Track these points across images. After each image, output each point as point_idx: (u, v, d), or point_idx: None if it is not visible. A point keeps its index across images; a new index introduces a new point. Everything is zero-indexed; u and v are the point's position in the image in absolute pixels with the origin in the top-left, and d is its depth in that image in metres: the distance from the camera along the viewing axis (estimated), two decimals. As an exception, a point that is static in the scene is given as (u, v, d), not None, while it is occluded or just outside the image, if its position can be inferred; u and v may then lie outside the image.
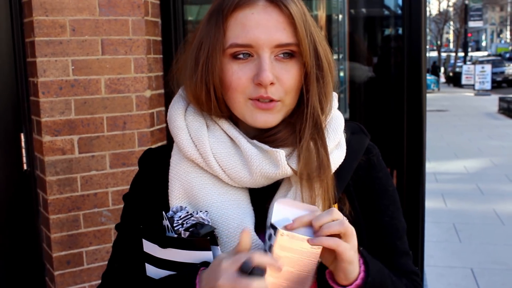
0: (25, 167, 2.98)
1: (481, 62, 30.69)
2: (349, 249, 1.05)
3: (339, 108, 1.35)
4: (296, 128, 1.22)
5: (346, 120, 1.32)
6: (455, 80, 33.26)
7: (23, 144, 2.96)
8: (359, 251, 1.12)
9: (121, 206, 1.43)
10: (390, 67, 3.81)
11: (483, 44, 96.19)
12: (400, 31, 3.49)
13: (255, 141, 1.21)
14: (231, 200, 1.22)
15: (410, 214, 3.16)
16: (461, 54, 39.56)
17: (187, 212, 1.17)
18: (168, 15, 3.17)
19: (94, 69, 2.85)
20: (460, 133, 14.77)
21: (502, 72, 32.48)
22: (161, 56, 3.17)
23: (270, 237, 1.05)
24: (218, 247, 1.14)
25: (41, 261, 3.03)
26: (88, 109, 2.86)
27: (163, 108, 3.16)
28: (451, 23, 51.13)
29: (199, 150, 1.22)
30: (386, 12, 4.54)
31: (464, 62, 33.28)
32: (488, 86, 26.31)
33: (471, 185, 8.96)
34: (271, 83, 1.16)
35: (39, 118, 2.78)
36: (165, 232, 1.17)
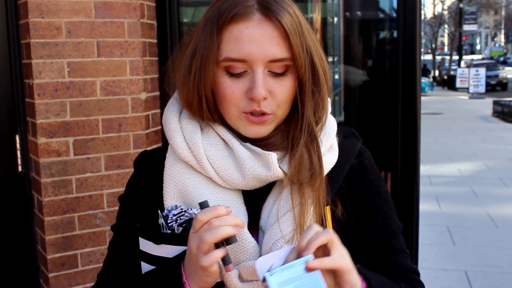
0: (20, 169, 2.98)
1: (476, 65, 30.76)
2: (341, 258, 1.07)
3: (333, 111, 1.36)
4: (289, 134, 1.23)
5: (338, 124, 1.34)
6: (449, 83, 33.35)
7: (18, 146, 2.96)
8: (357, 268, 1.13)
9: (116, 208, 1.44)
10: (384, 70, 3.83)
11: (478, 47, 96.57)
12: (395, 34, 3.51)
13: (248, 144, 1.23)
14: (224, 200, 1.23)
15: (404, 217, 3.17)
16: (455, 57, 39.67)
17: (181, 209, 1.19)
18: (164, 17, 3.17)
19: (89, 71, 2.85)
20: (454, 136, 14.81)
21: (496, 76, 32.56)
22: (157, 58, 3.17)
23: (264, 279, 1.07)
24: None
25: (35, 263, 3.02)
26: (83, 111, 2.86)
27: (158, 110, 3.17)
28: (446, 26, 51.28)
29: (193, 152, 1.23)
30: (381, 15, 4.56)
31: (459, 65, 33.35)
32: (482, 89, 26.38)
33: (465, 188, 8.99)
34: (264, 98, 1.17)
35: (34, 120, 2.78)
36: (160, 230, 1.19)
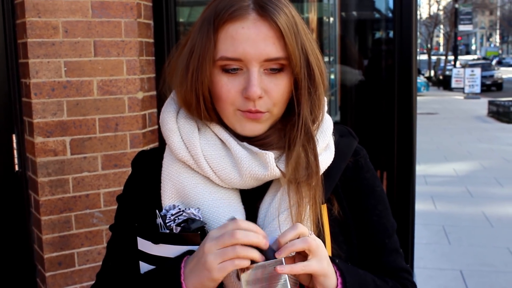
0: (16, 168, 2.98)
1: (471, 66, 30.81)
2: (318, 264, 1.09)
3: (329, 111, 1.37)
4: (285, 134, 1.24)
5: (335, 123, 1.35)
6: (445, 83, 33.41)
7: (14, 145, 2.96)
8: (336, 264, 1.15)
9: (113, 207, 1.45)
10: (380, 70, 3.84)
11: (473, 47, 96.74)
12: (391, 34, 3.52)
13: (245, 143, 1.24)
14: (222, 199, 1.24)
15: (400, 216, 3.18)
16: (451, 57, 39.72)
17: (179, 209, 1.20)
18: (161, 17, 3.18)
19: (86, 71, 2.86)
20: (450, 136, 14.83)
21: (492, 76, 32.64)
22: (154, 58, 3.18)
23: (237, 274, 1.09)
24: None
25: (32, 262, 3.03)
26: (80, 111, 2.86)
27: (155, 110, 3.17)
28: (441, 26, 51.34)
29: (191, 152, 1.24)
30: (377, 15, 4.56)
31: (454, 65, 33.39)
32: (477, 89, 26.42)
33: (460, 188, 9.01)
34: (260, 97, 1.18)
35: (31, 119, 2.78)
36: (159, 230, 1.19)
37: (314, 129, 1.25)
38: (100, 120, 2.91)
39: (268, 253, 1.07)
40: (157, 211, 1.21)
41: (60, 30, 2.78)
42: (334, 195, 1.31)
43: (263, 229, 1.21)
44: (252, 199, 1.27)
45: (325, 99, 1.32)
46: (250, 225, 1.08)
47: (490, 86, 32.00)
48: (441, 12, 50.97)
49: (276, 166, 1.21)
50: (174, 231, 1.17)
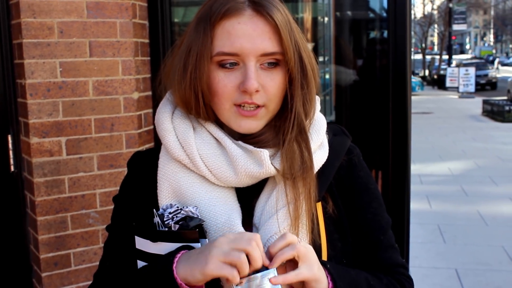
0: (12, 168, 2.98)
1: (465, 65, 30.88)
2: (308, 271, 1.11)
3: (324, 111, 1.38)
4: (279, 131, 1.26)
5: (328, 123, 1.37)
6: (439, 82, 33.47)
7: (10, 145, 2.96)
8: (327, 269, 1.17)
9: (109, 207, 1.46)
10: (375, 69, 3.85)
11: (467, 47, 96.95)
12: (385, 33, 3.52)
13: (240, 142, 1.25)
14: (218, 197, 1.26)
15: (395, 216, 3.19)
16: (445, 56, 39.81)
17: (177, 207, 1.21)
18: (156, 17, 3.18)
19: (82, 71, 2.86)
20: (444, 135, 14.87)
21: (486, 75, 32.72)
22: (149, 58, 3.18)
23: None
24: (207, 239, 1.18)
25: (28, 263, 3.03)
26: (76, 111, 2.86)
27: (150, 110, 3.17)
28: (436, 26, 51.43)
29: (186, 151, 1.26)
30: (372, 15, 4.57)
31: (449, 64, 33.46)
32: (472, 88, 26.50)
33: (455, 187, 9.03)
34: (256, 91, 1.20)
35: (27, 119, 2.78)
36: (156, 228, 1.21)
37: (306, 123, 1.27)
38: (96, 121, 2.91)
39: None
40: (154, 210, 1.22)
41: (55, 30, 2.78)
42: (329, 193, 1.33)
43: (260, 227, 1.23)
44: (248, 197, 1.28)
45: (318, 98, 1.34)
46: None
47: (485, 85, 32.09)
48: (435, 12, 51.07)
49: (271, 163, 1.22)
50: (173, 228, 1.18)
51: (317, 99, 1.35)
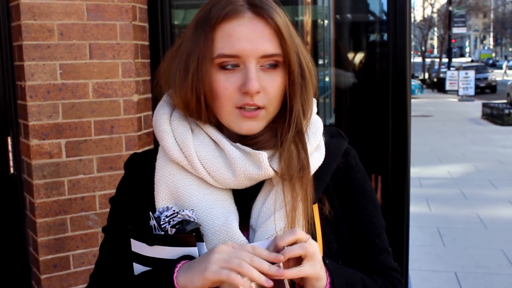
0: (11, 170, 2.98)
1: (465, 68, 30.90)
2: (312, 268, 1.11)
3: (324, 113, 1.39)
4: (277, 132, 1.27)
5: (325, 125, 1.38)
6: (439, 85, 33.49)
7: (10, 147, 2.96)
8: (326, 264, 1.17)
9: (108, 209, 1.46)
10: (375, 72, 3.85)
11: (467, 50, 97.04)
12: (385, 36, 3.53)
13: (238, 144, 1.25)
14: (215, 200, 1.26)
15: (394, 219, 3.19)
16: (445, 60, 39.84)
17: (174, 211, 1.21)
18: (156, 20, 3.18)
19: (82, 73, 2.86)
20: (444, 138, 14.87)
21: (486, 78, 32.75)
22: (149, 60, 3.19)
23: None
24: (204, 243, 1.18)
25: (27, 265, 3.02)
26: (75, 113, 2.86)
27: (150, 113, 3.18)
28: (435, 29, 51.49)
29: (184, 153, 1.26)
30: (371, 18, 4.58)
31: (448, 68, 33.47)
32: (471, 91, 26.51)
33: (454, 190, 9.03)
34: (257, 92, 1.21)
35: (27, 121, 2.78)
36: (153, 232, 1.20)
37: (304, 124, 1.28)
38: (96, 123, 2.91)
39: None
40: (150, 213, 1.22)
41: (55, 32, 2.78)
42: (325, 195, 1.33)
43: (257, 229, 1.23)
44: (244, 199, 1.28)
45: (314, 100, 1.35)
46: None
47: (484, 89, 32.10)
48: (435, 15, 51.12)
49: (270, 165, 1.23)
50: (169, 232, 1.18)
51: (314, 101, 1.36)
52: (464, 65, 38.38)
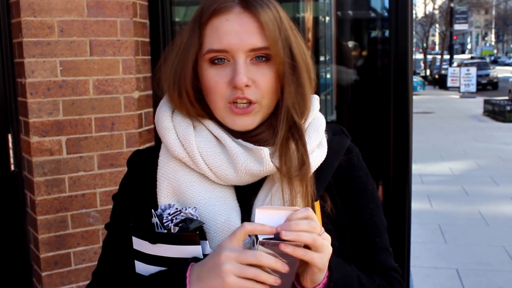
0: (12, 168, 2.97)
1: (466, 65, 30.87)
2: (319, 258, 1.09)
3: (325, 110, 1.38)
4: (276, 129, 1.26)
5: (328, 122, 1.37)
6: (440, 82, 33.46)
7: (10, 145, 2.96)
8: None
9: (109, 206, 1.45)
10: (376, 69, 3.84)
11: (468, 46, 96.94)
12: (386, 33, 3.51)
13: (240, 140, 1.25)
14: (218, 197, 1.26)
15: (396, 215, 3.18)
16: (446, 56, 39.82)
17: (176, 209, 1.20)
18: (156, 16, 3.17)
19: (82, 70, 2.85)
20: (445, 135, 14.87)
21: (487, 75, 32.71)
22: (149, 57, 3.18)
23: (253, 243, 1.08)
24: (207, 241, 1.17)
25: (28, 262, 3.02)
26: (76, 110, 2.86)
27: (151, 109, 3.17)
28: (437, 25, 51.44)
29: (186, 149, 1.26)
30: (373, 15, 4.57)
31: (450, 64, 33.45)
32: (473, 88, 26.50)
33: (456, 187, 9.03)
34: (247, 86, 1.20)
35: (27, 118, 2.78)
36: (155, 229, 1.20)
37: (302, 122, 1.27)
38: (96, 120, 2.91)
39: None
40: (152, 210, 1.21)
41: (55, 29, 2.78)
42: (327, 193, 1.33)
43: None
44: (246, 196, 1.28)
45: (317, 96, 1.34)
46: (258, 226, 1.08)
47: (486, 85, 32.07)
48: (436, 11, 51.06)
49: (271, 161, 1.22)
50: (172, 231, 1.17)
51: (316, 98, 1.35)
52: (465, 62, 38.32)
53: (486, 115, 19.19)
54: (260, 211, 1.09)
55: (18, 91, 2.88)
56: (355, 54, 4.20)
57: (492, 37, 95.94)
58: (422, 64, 45.15)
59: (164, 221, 1.18)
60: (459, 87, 26.98)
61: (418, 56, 50.69)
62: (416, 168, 9.89)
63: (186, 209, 1.19)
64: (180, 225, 1.17)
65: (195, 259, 1.15)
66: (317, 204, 1.29)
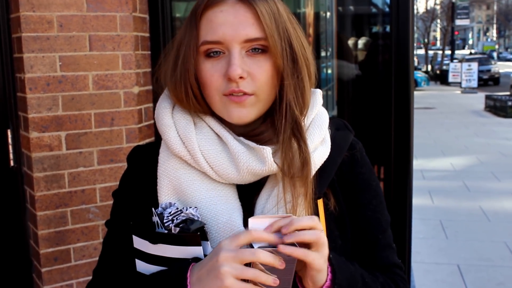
0: (11, 163, 2.97)
1: (468, 60, 30.83)
2: (318, 258, 1.07)
3: (326, 105, 1.36)
4: (277, 127, 1.24)
5: (330, 117, 1.35)
6: (442, 77, 33.44)
7: (9, 140, 2.95)
8: (328, 258, 1.14)
9: (109, 202, 1.44)
10: (377, 64, 3.83)
11: (470, 42, 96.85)
12: (388, 28, 3.50)
13: (241, 138, 1.23)
14: (219, 196, 1.23)
15: (397, 211, 3.18)
16: (448, 51, 39.78)
17: (177, 208, 1.18)
18: (156, 11, 3.16)
19: (81, 65, 2.84)
20: (447, 131, 14.86)
21: (489, 70, 32.67)
22: (149, 52, 3.16)
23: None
24: (208, 242, 1.15)
25: (28, 258, 3.02)
26: (75, 105, 2.85)
27: (151, 105, 3.16)
28: (438, 21, 51.40)
29: (187, 147, 1.24)
30: (374, 10, 4.55)
31: (451, 60, 33.42)
32: (474, 84, 26.47)
33: (457, 182, 9.02)
34: (242, 77, 1.18)
35: (26, 114, 2.77)
36: (155, 228, 1.18)
37: (302, 117, 1.24)
38: (96, 115, 2.90)
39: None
40: (153, 209, 1.19)
41: (54, 24, 2.76)
42: (330, 190, 1.31)
43: None
44: (248, 195, 1.26)
45: (320, 91, 1.32)
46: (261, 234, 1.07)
47: (487, 81, 32.04)
48: (438, 7, 50.99)
49: (274, 161, 1.20)
50: (173, 231, 1.15)
51: (319, 93, 1.33)
52: (467, 57, 38.29)
53: (487, 110, 19.17)
54: (252, 221, 1.08)
55: (17, 86, 2.87)
56: (361, 49, 4.18)
57: (493, 32, 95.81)
58: (417, 60, 45.10)
59: (164, 221, 1.16)
60: (460, 83, 26.95)
61: (420, 51, 50.63)
62: (417, 163, 9.88)
63: (187, 209, 1.17)
64: (181, 225, 1.15)
65: (196, 259, 1.13)
66: (320, 202, 1.27)
